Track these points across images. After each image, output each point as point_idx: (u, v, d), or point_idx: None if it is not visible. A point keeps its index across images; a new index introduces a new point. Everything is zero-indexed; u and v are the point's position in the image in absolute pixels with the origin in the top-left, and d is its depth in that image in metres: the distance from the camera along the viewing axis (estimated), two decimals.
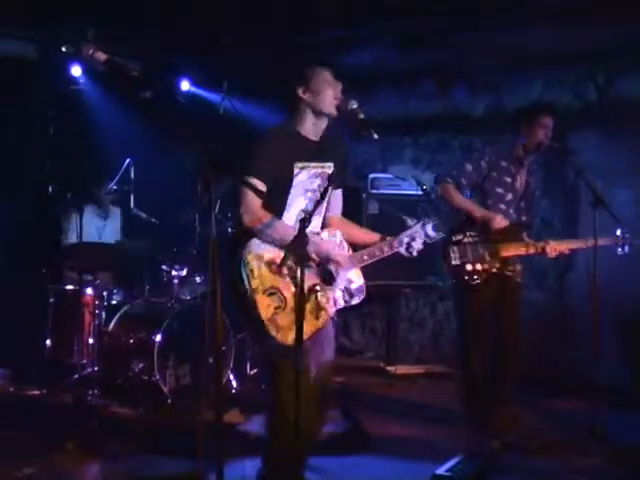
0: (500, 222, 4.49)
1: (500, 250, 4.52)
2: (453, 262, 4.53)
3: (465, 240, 4.51)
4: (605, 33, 5.60)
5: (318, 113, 3.34)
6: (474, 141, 6.84)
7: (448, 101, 7.02)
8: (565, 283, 6.54)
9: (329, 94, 3.30)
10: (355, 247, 3.50)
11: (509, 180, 4.69)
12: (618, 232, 4.66)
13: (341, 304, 3.39)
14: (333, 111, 3.32)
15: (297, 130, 3.37)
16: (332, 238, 3.43)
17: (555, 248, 4.55)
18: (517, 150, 4.71)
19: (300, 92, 3.33)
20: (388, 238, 3.44)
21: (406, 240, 3.41)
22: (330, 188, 3.29)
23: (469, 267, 4.49)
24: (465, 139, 7.05)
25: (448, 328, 7.20)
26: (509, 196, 4.69)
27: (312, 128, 3.37)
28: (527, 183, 4.78)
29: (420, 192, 6.64)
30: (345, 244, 3.46)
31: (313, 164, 3.36)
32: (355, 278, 3.43)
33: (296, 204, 3.34)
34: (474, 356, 4.66)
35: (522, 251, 4.59)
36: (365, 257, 3.41)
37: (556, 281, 6.58)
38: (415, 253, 3.45)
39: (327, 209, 3.50)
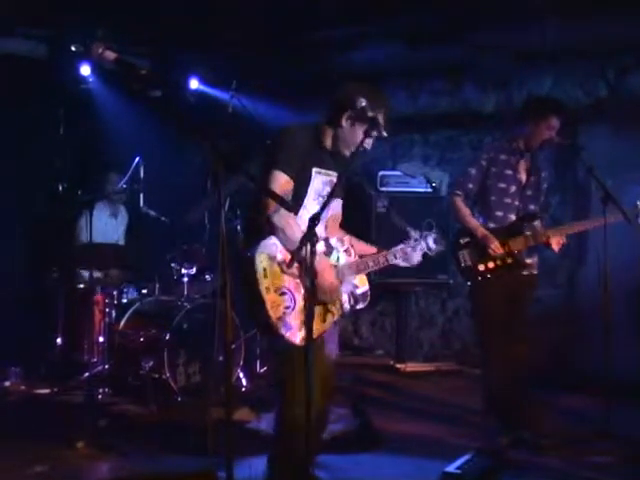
0: (496, 249, 4.47)
1: (509, 244, 4.50)
2: (463, 264, 4.53)
3: (472, 241, 4.51)
4: (615, 29, 5.57)
5: (336, 143, 3.37)
6: (484, 138, 6.82)
7: (458, 98, 7.00)
8: (576, 279, 6.51)
9: (360, 141, 3.28)
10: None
11: (510, 172, 4.64)
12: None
13: (347, 308, 3.42)
14: (347, 153, 3.37)
15: (319, 137, 3.39)
16: (339, 245, 3.44)
17: (558, 240, 4.50)
18: (517, 142, 4.64)
19: (345, 117, 3.32)
20: (386, 251, 3.49)
21: (399, 254, 3.48)
22: (333, 194, 3.24)
23: (481, 267, 4.48)
24: (475, 136, 7.04)
25: (458, 325, 7.19)
26: (513, 188, 4.64)
27: (329, 144, 3.40)
28: (529, 172, 4.72)
29: (429, 189, 6.67)
30: (353, 251, 3.49)
31: (326, 171, 3.38)
32: (360, 284, 3.47)
33: (309, 208, 3.29)
34: (493, 357, 4.62)
35: (528, 243, 4.56)
36: (370, 264, 3.46)
37: (567, 278, 6.56)
38: (415, 263, 3.51)
39: (329, 217, 3.48)
